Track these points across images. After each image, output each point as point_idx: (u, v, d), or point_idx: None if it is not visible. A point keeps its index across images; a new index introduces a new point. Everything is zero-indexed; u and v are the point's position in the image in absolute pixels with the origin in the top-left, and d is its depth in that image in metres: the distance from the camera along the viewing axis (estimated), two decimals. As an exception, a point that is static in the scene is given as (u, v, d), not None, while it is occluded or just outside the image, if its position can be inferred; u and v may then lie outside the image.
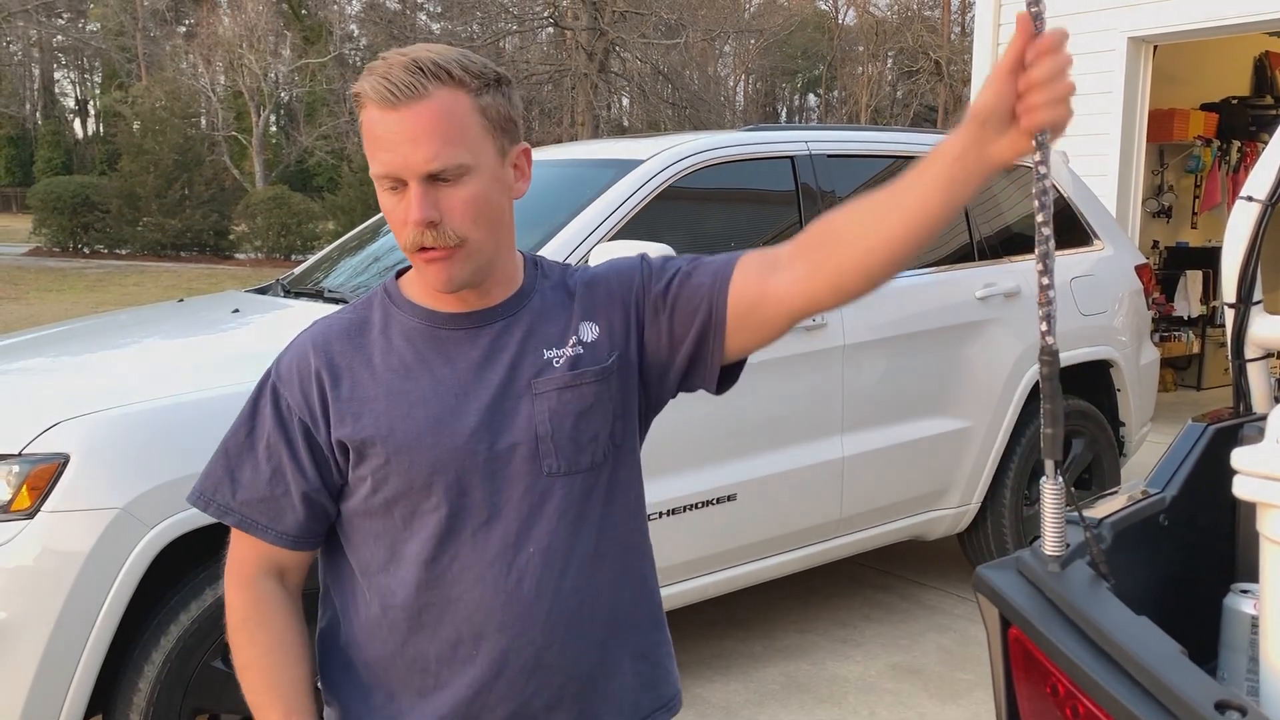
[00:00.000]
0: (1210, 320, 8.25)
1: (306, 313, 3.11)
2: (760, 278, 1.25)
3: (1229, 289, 1.96)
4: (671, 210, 3.28)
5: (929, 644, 3.71)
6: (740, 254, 1.29)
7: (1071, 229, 4.30)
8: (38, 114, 46.48)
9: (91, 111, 48.11)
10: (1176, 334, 8.13)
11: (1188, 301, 8.08)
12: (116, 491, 2.31)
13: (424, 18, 34.28)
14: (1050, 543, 1.31)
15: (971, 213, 3.96)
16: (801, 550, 3.48)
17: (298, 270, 3.92)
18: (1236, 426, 1.87)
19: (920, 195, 1.12)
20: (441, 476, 1.22)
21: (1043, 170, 1.11)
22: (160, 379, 2.57)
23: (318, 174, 36.45)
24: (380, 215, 4.21)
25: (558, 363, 1.26)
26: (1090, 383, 4.29)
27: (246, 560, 1.30)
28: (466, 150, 1.16)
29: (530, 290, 1.30)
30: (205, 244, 23.16)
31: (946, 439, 3.74)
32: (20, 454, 2.29)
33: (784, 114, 46.71)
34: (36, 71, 46.23)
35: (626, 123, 30.59)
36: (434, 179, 1.16)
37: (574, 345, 1.27)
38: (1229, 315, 1.99)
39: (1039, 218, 1.14)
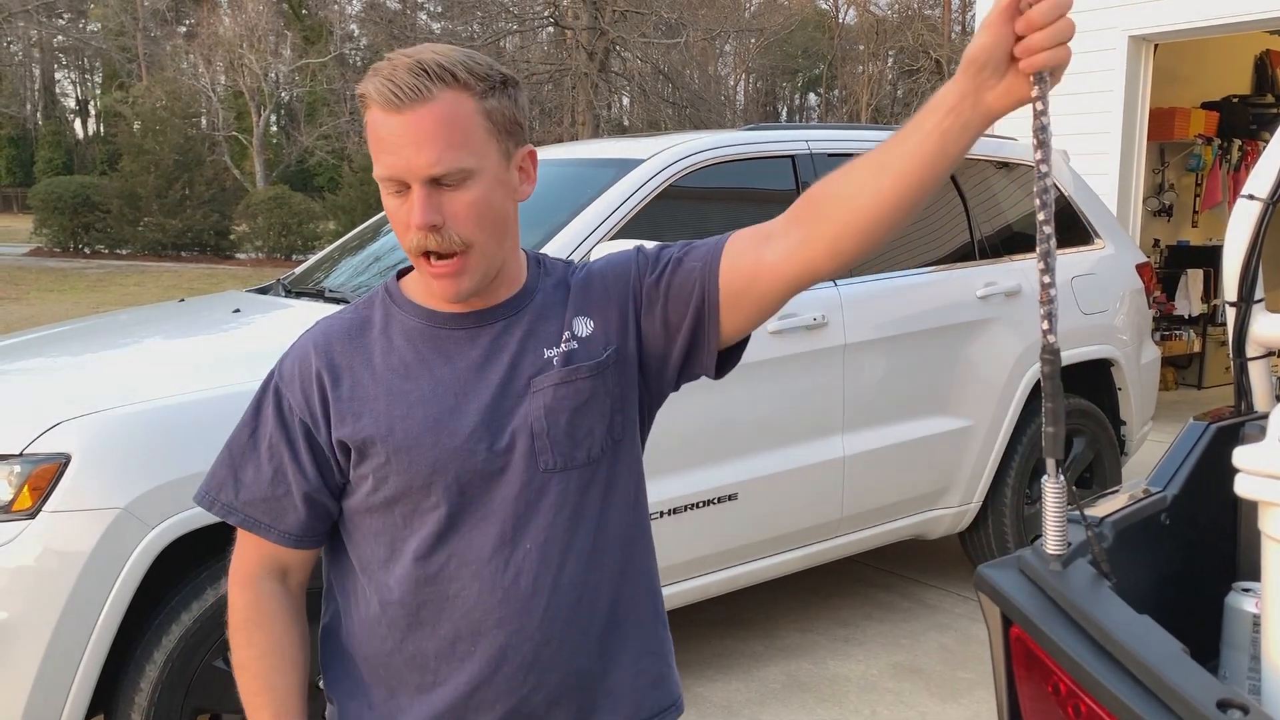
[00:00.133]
0: (1211, 319, 8.24)
1: (307, 312, 3.11)
2: (753, 252, 1.24)
3: (1230, 287, 1.96)
4: (672, 210, 3.27)
5: (930, 643, 3.71)
6: (730, 234, 1.29)
7: (1072, 228, 4.30)
8: (38, 114, 46.49)
9: (92, 111, 48.13)
10: (1177, 333, 8.13)
11: (1189, 300, 8.07)
12: (118, 491, 2.31)
13: (424, 17, 34.27)
14: (1052, 542, 1.31)
15: (972, 211, 3.96)
16: (802, 549, 3.48)
17: (298, 270, 3.92)
18: (1238, 425, 1.87)
19: (915, 150, 1.11)
20: (441, 476, 1.22)
21: (1045, 131, 1.10)
22: (161, 379, 2.57)
23: (318, 174, 36.46)
24: (381, 215, 4.21)
25: (556, 361, 1.26)
26: (1091, 381, 4.29)
27: (250, 559, 1.30)
28: (470, 154, 1.16)
29: (532, 289, 1.30)
30: (206, 244, 23.16)
31: (947, 438, 3.74)
32: (21, 454, 2.29)
33: (784, 113, 46.68)
34: (37, 72, 46.25)
35: (627, 122, 30.59)
36: (437, 183, 1.15)
37: (568, 341, 1.27)
38: (1230, 313, 1.99)
39: (1040, 216, 1.14)
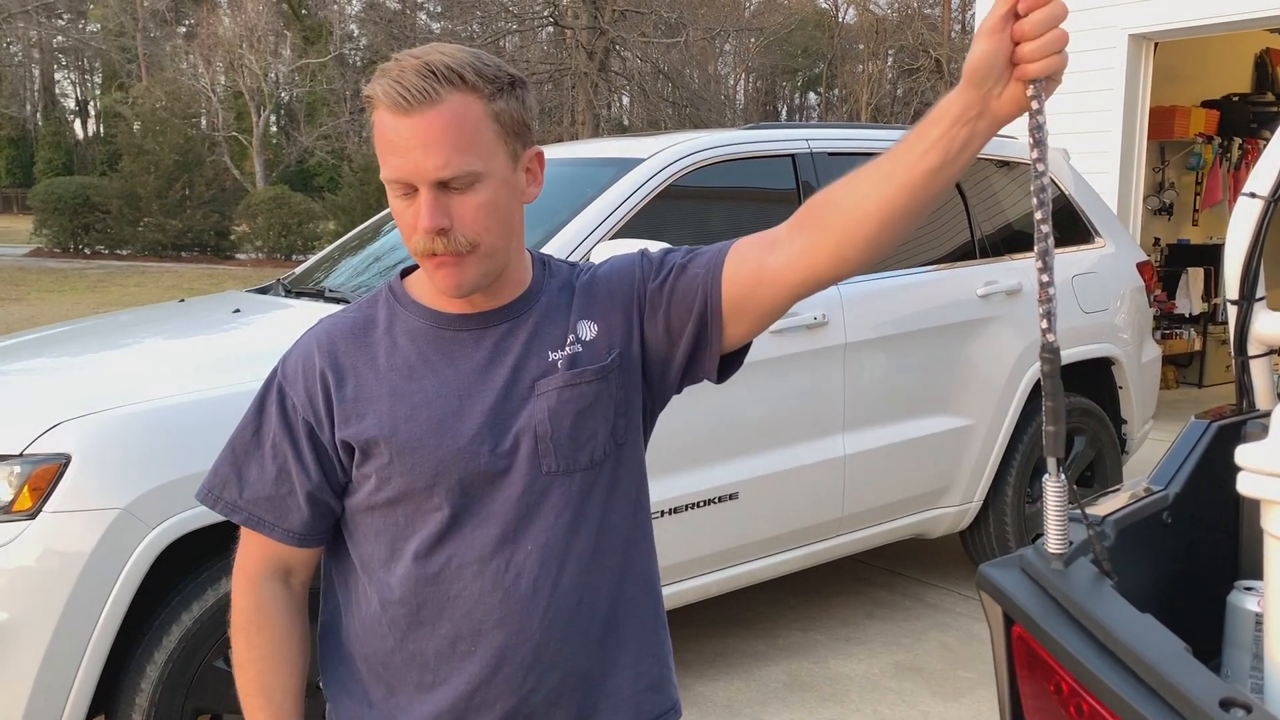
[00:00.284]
0: (1211, 317, 8.25)
1: (307, 312, 3.10)
2: (757, 259, 1.23)
3: (1232, 285, 1.96)
4: (672, 209, 3.27)
5: (932, 642, 3.71)
6: (734, 241, 1.28)
7: (1073, 226, 4.30)
8: (38, 115, 46.51)
9: (92, 112, 48.16)
10: (1178, 331, 8.13)
11: (1189, 299, 8.08)
12: (118, 492, 2.31)
13: (424, 17, 34.28)
14: (1053, 541, 1.31)
15: (973, 210, 3.96)
16: (803, 549, 3.48)
17: (298, 270, 3.91)
18: (1240, 423, 1.87)
19: (920, 160, 1.10)
20: (444, 478, 1.22)
21: (1040, 130, 1.09)
22: (161, 379, 2.56)
23: (318, 174, 36.46)
24: (381, 215, 4.20)
25: (560, 364, 1.26)
26: (1092, 380, 4.28)
27: (254, 559, 1.30)
28: (478, 157, 1.15)
29: (537, 291, 1.29)
30: (206, 244, 23.17)
31: (948, 437, 3.74)
32: (22, 454, 2.29)
33: (784, 112, 46.68)
34: (37, 72, 46.26)
35: (627, 122, 30.60)
36: (445, 186, 1.15)
37: (572, 344, 1.27)
38: (1232, 312, 1.98)
39: (1038, 215, 1.13)
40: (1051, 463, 1.23)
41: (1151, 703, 1.15)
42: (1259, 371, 2.00)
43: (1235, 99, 8.35)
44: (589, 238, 3.05)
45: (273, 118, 38.06)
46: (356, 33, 37.58)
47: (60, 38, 43.56)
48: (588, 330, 1.28)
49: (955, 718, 3.18)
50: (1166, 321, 8.05)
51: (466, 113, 1.14)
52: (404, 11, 33.34)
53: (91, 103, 48.13)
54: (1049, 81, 1.05)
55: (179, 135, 23.11)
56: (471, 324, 1.26)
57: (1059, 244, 4.01)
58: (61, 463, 2.29)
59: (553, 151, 3.75)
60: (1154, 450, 4.16)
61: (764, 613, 3.96)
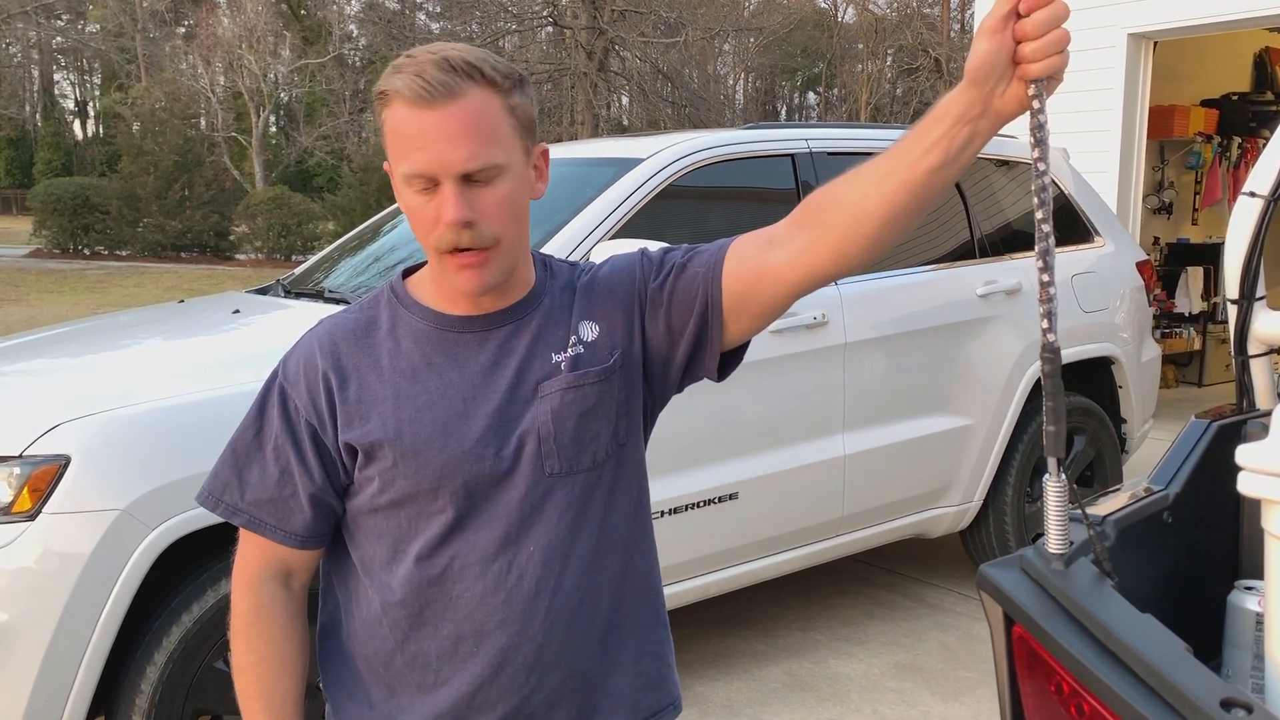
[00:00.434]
0: (1211, 316, 8.25)
1: (307, 313, 3.10)
2: (756, 257, 1.23)
3: (1232, 285, 1.96)
4: (672, 209, 3.27)
5: (932, 642, 3.71)
6: (733, 239, 1.28)
7: (1072, 226, 4.30)
8: (37, 116, 46.50)
9: (91, 113, 48.14)
10: (1178, 330, 8.13)
11: (1189, 298, 8.08)
12: (118, 493, 2.31)
13: (423, 17, 34.27)
14: (1054, 541, 1.31)
15: (972, 210, 3.95)
16: (803, 549, 3.48)
17: (298, 271, 3.91)
18: (1240, 423, 1.87)
19: (921, 158, 1.10)
20: (449, 480, 1.21)
21: (1041, 130, 1.09)
22: (161, 380, 2.56)
23: (318, 174, 36.46)
24: (381, 215, 4.20)
25: (563, 366, 1.25)
26: (1092, 379, 4.28)
27: (254, 561, 1.29)
28: (501, 150, 1.16)
29: (540, 293, 1.29)
30: (206, 245, 23.16)
31: (948, 437, 3.74)
32: (21, 456, 2.29)
33: (784, 112, 46.68)
34: (36, 73, 46.25)
35: (626, 121, 30.60)
36: (468, 179, 1.15)
37: (574, 345, 1.27)
38: (1232, 311, 1.98)
39: (1039, 215, 1.13)
40: (1052, 463, 1.23)
41: (1152, 703, 1.14)
42: (1259, 371, 2.00)
43: (1234, 98, 8.35)
44: (589, 238, 3.05)
45: (272, 118, 38.05)
46: (356, 33, 37.59)
47: (59, 38, 43.56)
48: (589, 331, 1.28)
49: (955, 718, 3.18)
50: (1166, 321, 8.06)
51: (486, 106, 1.15)
52: (403, 12, 33.33)
53: (91, 103, 48.13)
54: (1051, 81, 1.05)
55: (178, 136, 23.11)
56: (476, 326, 1.26)
57: (1058, 243, 4.00)
58: (61, 464, 2.29)
59: (553, 152, 3.73)
60: (1154, 450, 4.16)
61: (764, 613, 3.96)
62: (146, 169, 22.29)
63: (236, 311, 3.26)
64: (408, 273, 1.33)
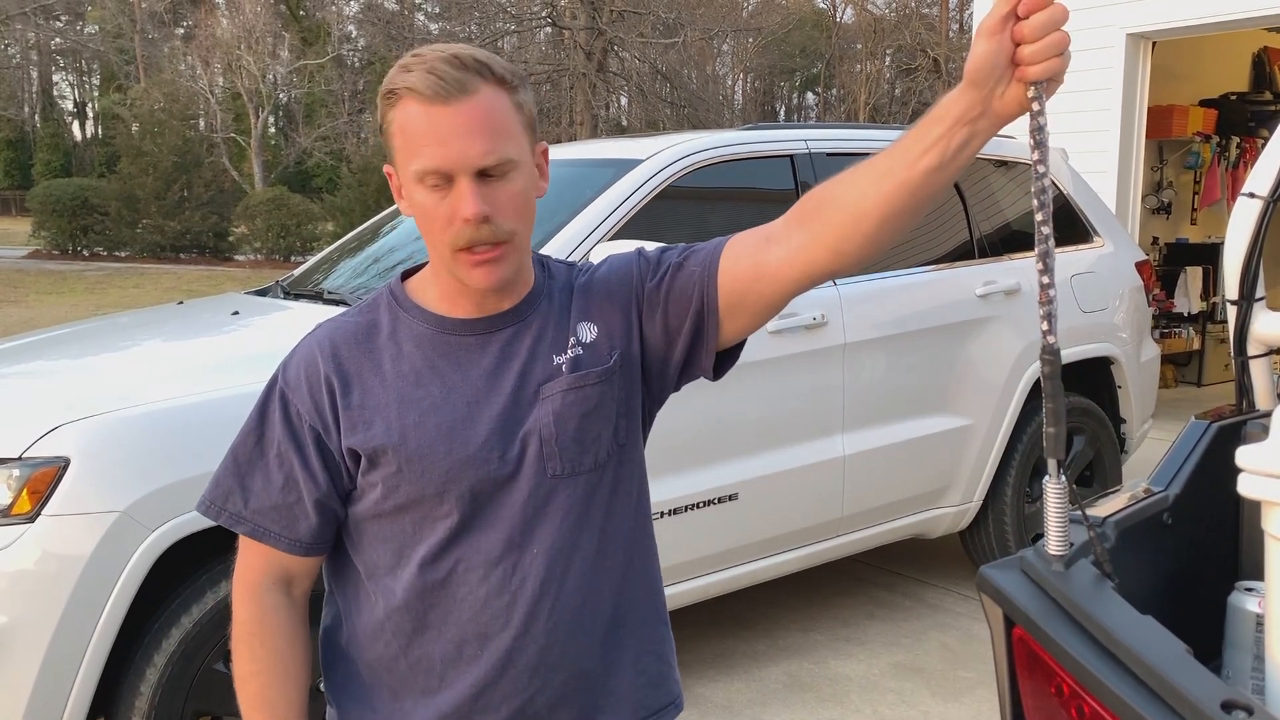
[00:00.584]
0: (1210, 316, 8.25)
1: (306, 314, 3.10)
2: (753, 255, 1.23)
3: (1231, 285, 1.96)
4: (671, 209, 3.27)
5: (932, 642, 3.71)
6: (729, 237, 1.28)
7: (1071, 226, 4.30)
8: (36, 117, 46.49)
9: (90, 114, 48.12)
10: (1177, 330, 8.13)
11: (1188, 298, 8.08)
12: (117, 495, 2.30)
13: (422, 18, 34.28)
14: (1054, 542, 1.30)
15: (971, 210, 3.95)
16: (803, 549, 3.48)
17: (297, 272, 3.91)
18: (1240, 424, 1.87)
19: (920, 158, 1.10)
20: (454, 485, 1.21)
21: (1041, 131, 1.09)
22: (160, 382, 2.56)
23: (317, 175, 36.44)
24: (380, 216, 4.20)
25: (564, 367, 1.25)
26: (1091, 380, 4.28)
27: (255, 569, 1.28)
28: (514, 146, 1.17)
29: (540, 294, 1.29)
30: (205, 246, 23.15)
31: (948, 437, 3.74)
32: (20, 458, 2.29)
33: (782, 112, 46.68)
34: (35, 74, 46.25)
35: (625, 122, 30.61)
36: (484, 175, 1.15)
37: (574, 347, 1.27)
38: (1231, 312, 1.98)
39: (1038, 216, 1.13)
40: (1052, 464, 1.23)
41: (1152, 704, 1.14)
42: (1259, 371, 2.00)
43: (1233, 98, 8.35)
44: (588, 238, 3.05)
45: (271, 119, 38.03)
46: (354, 34, 37.58)
47: (58, 39, 43.54)
48: (588, 332, 1.28)
49: (955, 718, 3.18)
50: (1165, 320, 8.06)
51: (498, 103, 1.16)
52: (402, 12, 33.34)
53: (90, 104, 48.11)
54: (1050, 83, 1.05)
55: (177, 137, 23.11)
56: (477, 329, 1.26)
57: (1058, 244, 4.00)
58: (60, 466, 2.28)
59: (552, 152, 3.73)
60: (1154, 450, 4.16)
61: (764, 613, 3.96)
62: (145, 170, 22.28)
63: (236, 313, 3.26)
64: (406, 275, 1.33)
